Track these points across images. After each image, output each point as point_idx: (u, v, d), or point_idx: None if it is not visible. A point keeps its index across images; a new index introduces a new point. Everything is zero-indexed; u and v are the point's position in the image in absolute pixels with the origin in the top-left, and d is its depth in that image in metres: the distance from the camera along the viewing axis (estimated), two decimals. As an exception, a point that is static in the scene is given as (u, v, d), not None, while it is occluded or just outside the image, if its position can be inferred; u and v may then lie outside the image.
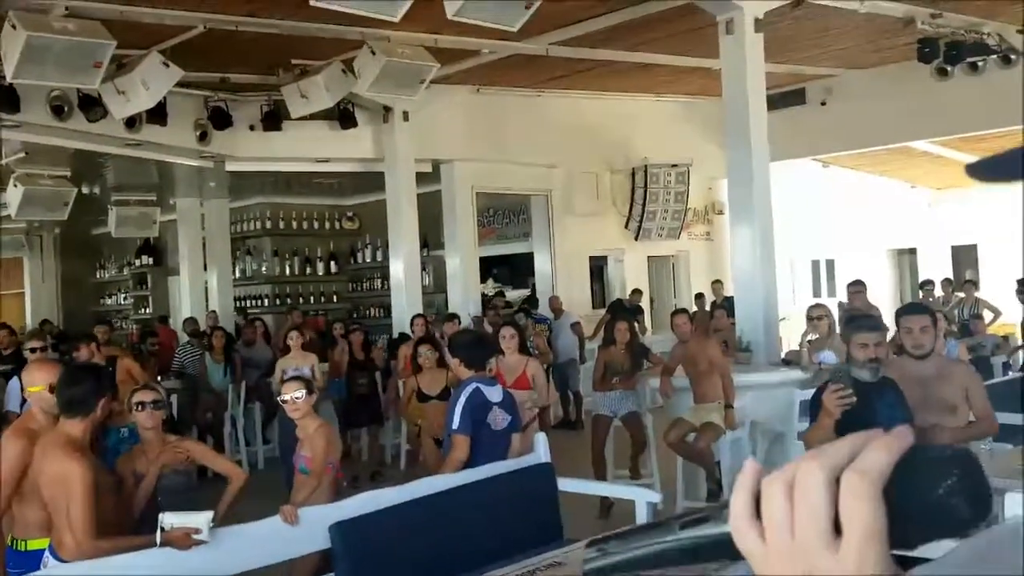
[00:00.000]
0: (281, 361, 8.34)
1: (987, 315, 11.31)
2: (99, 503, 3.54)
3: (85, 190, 11.87)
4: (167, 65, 8.02)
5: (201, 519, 3.59)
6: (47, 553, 3.59)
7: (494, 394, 4.74)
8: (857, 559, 0.53)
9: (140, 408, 4.16)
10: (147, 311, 16.86)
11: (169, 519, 3.56)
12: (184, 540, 3.53)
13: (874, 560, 0.53)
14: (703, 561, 0.60)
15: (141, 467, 4.11)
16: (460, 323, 9.74)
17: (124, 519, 3.85)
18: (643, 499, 4.57)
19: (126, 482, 4.02)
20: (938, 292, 12.44)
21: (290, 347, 8.36)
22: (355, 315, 14.61)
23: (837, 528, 0.54)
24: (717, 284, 13.00)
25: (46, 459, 3.58)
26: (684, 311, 7.42)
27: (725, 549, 0.58)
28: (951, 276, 14.36)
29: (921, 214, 17.49)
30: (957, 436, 4.24)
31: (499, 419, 4.69)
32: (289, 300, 14.10)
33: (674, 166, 13.74)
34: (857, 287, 8.82)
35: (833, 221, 17.28)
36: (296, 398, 4.64)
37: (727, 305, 10.30)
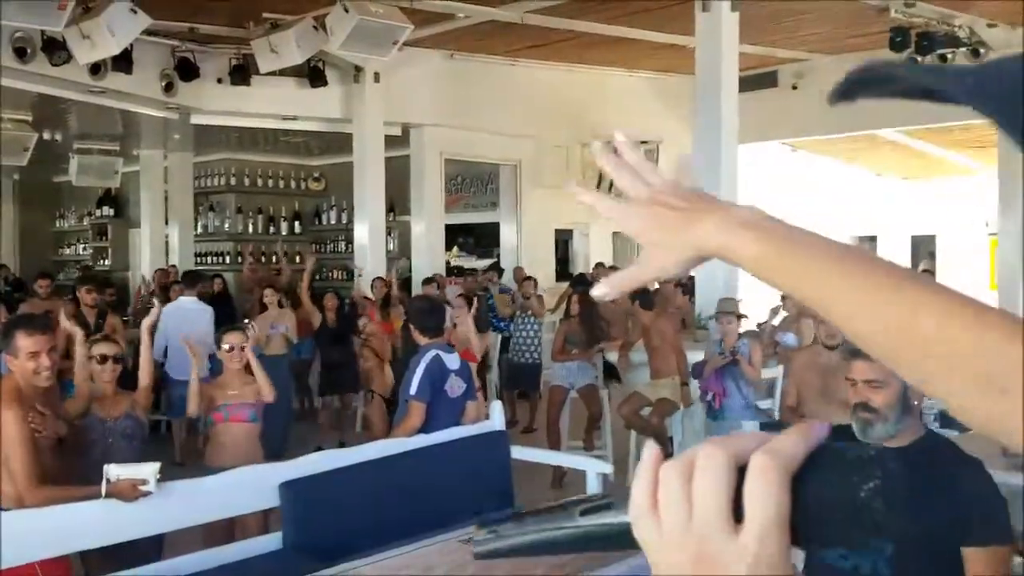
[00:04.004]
0: (260, 318, 8.21)
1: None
2: (44, 453, 3.50)
3: (46, 136, 11.63)
4: (135, 12, 7.85)
5: (148, 470, 3.57)
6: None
7: (452, 361, 4.75)
8: (758, 543, 0.50)
9: (101, 360, 4.14)
10: (106, 262, 16.60)
11: (115, 471, 3.53)
12: (130, 491, 3.51)
13: (776, 547, 0.50)
14: (600, 550, 0.58)
15: (96, 412, 4.08)
16: (439, 287, 9.77)
17: (69, 469, 3.81)
18: (595, 470, 4.62)
19: (73, 424, 3.97)
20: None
21: (267, 305, 8.32)
22: (318, 276, 14.50)
23: (737, 518, 0.51)
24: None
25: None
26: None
27: (624, 539, 0.56)
28: (909, 264, 14.55)
29: (884, 203, 17.70)
30: None
31: (455, 387, 4.70)
32: (251, 258, 13.90)
33: (643, 143, 13.73)
34: None
35: (798, 205, 17.43)
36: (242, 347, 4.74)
37: (688, 284, 10.37)
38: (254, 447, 4.61)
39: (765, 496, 0.50)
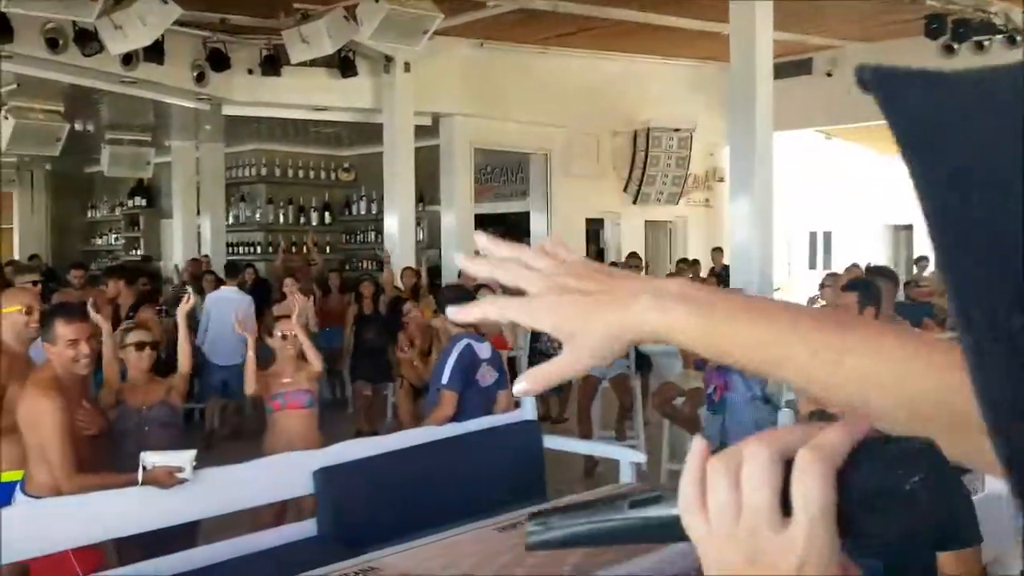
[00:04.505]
0: (278, 306, 8.27)
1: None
2: (80, 441, 3.51)
3: (78, 126, 11.70)
4: (166, 2, 7.87)
5: (184, 458, 3.57)
6: (17, 489, 3.57)
7: (484, 351, 4.72)
8: (807, 539, 0.50)
9: (138, 348, 4.16)
10: (138, 252, 16.75)
11: (151, 458, 3.53)
12: (166, 478, 3.51)
13: (824, 541, 0.51)
14: (649, 541, 0.59)
15: (129, 401, 4.09)
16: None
17: (104, 457, 3.82)
18: (627, 459, 4.57)
19: (107, 416, 3.98)
20: (931, 268, 12.43)
21: (287, 294, 8.33)
22: (347, 267, 14.54)
23: (785, 511, 0.52)
24: (717, 252, 12.91)
25: (23, 397, 3.55)
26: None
27: (673, 531, 0.57)
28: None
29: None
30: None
31: (487, 376, 4.67)
32: (281, 247, 13.96)
33: (676, 130, 13.63)
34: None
35: (832, 194, 17.23)
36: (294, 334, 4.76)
37: (723, 274, 10.28)
38: (312, 433, 4.64)
39: (812, 490, 0.51)
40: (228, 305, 8.46)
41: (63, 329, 3.55)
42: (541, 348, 9.22)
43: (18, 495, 3.56)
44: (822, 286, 7.49)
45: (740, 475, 0.53)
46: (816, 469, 0.51)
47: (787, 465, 0.52)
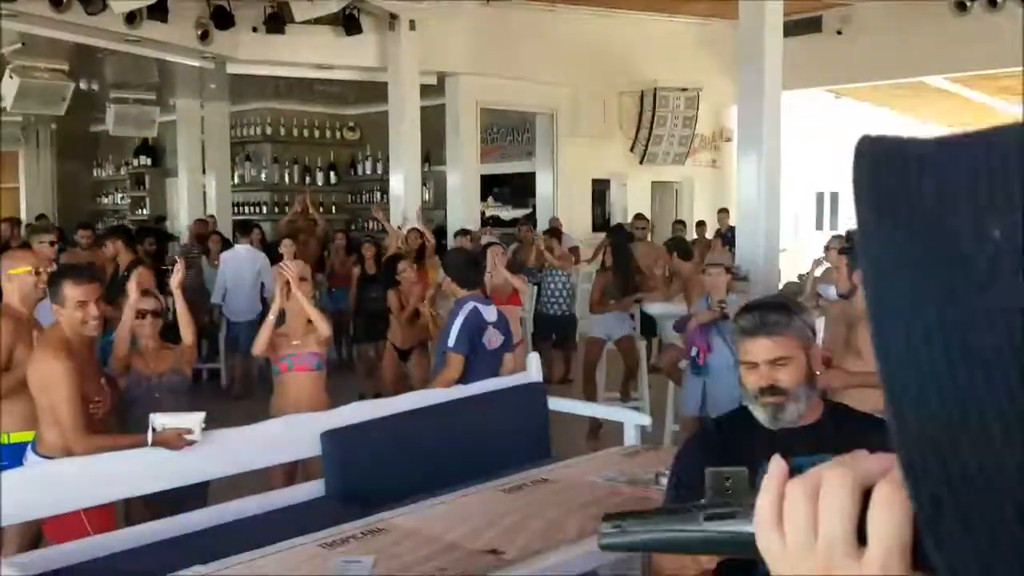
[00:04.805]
0: (276, 270, 8.26)
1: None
2: (89, 403, 3.54)
3: (83, 85, 11.64)
4: (169, -41, 7.80)
5: (193, 420, 3.61)
6: (28, 449, 3.61)
7: (490, 314, 4.74)
8: (881, 568, 0.51)
9: (141, 316, 4.18)
10: (144, 212, 16.75)
11: (160, 420, 3.57)
12: (176, 441, 3.55)
13: (897, 572, 0.51)
14: (722, 554, 0.62)
15: (139, 368, 4.13)
16: (471, 238, 9.72)
17: (114, 421, 3.86)
18: (632, 421, 4.60)
19: (118, 383, 4.03)
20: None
21: (282, 255, 8.31)
22: (353, 227, 14.53)
23: (861, 540, 0.52)
24: (723, 213, 12.87)
25: (33, 359, 3.58)
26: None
27: (746, 548, 0.58)
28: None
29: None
30: (846, 380, 4.19)
31: (493, 339, 4.70)
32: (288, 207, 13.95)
33: (684, 90, 13.51)
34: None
35: (841, 153, 17.10)
36: None
37: (729, 235, 10.26)
38: (319, 395, 4.61)
39: (888, 524, 0.51)
40: (243, 263, 8.75)
41: (72, 291, 3.57)
42: (543, 309, 9.21)
43: (30, 455, 3.61)
44: (826, 248, 7.47)
45: (819, 499, 0.53)
46: (894, 503, 0.51)
47: (867, 493, 0.52)
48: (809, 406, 2.21)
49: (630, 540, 0.64)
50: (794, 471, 0.57)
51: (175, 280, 4.47)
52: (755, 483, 0.58)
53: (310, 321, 4.72)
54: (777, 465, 0.57)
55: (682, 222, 12.99)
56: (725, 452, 2.03)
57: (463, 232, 9.90)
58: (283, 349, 4.64)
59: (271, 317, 4.62)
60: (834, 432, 2.15)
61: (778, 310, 2.23)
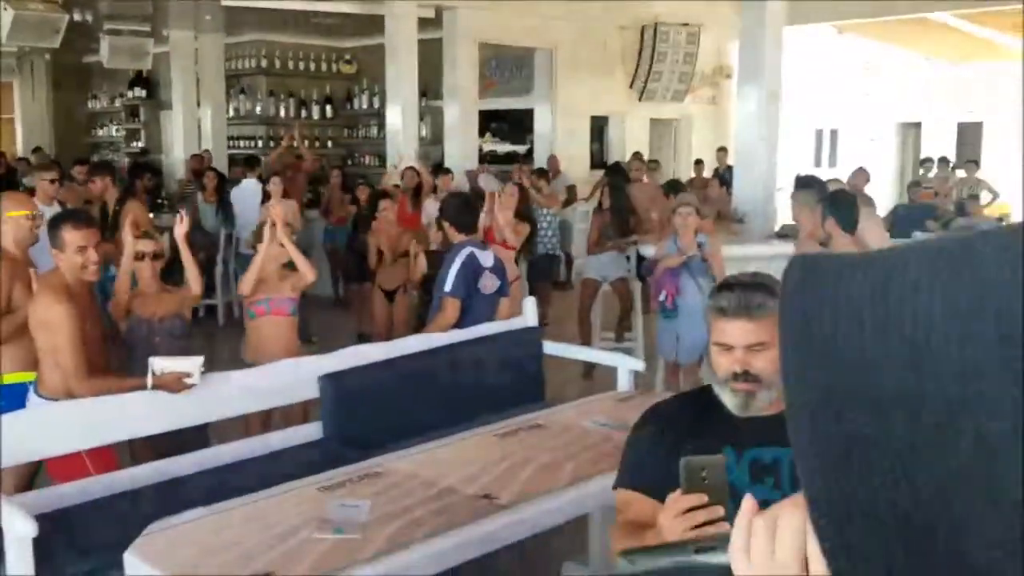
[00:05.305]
0: (263, 207, 8.21)
1: (984, 196, 11.27)
2: (89, 345, 3.58)
3: (77, 17, 11.46)
4: None
5: (192, 363, 3.65)
6: (30, 391, 3.67)
7: (486, 258, 4.76)
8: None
9: (140, 258, 4.20)
10: (139, 144, 16.64)
11: (160, 363, 3.61)
12: (175, 384, 3.60)
13: None
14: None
15: (140, 311, 4.16)
16: (453, 178, 9.63)
17: (112, 360, 3.91)
18: (626, 367, 4.65)
19: (119, 324, 4.06)
20: (936, 170, 12.36)
21: (270, 193, 8.27)
22: (349, 162, 14.45)
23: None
24: (721, 152, 12.80)
25: (34, 302, 3.61)
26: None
27: (727, 571, 0.70)
28: (954, 153, 14.23)
29: (932, 87, 17.14)
30: None
31: (489, 283, 4.73)
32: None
33: (685, 25, 13.33)
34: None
35: (842, 90, 16.94)
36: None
37: (726, 175, 10.22)
38: (293, 341, 4.67)
39: (790, 547, 0.62)
40: (250, 197, 8.89)
41: (71, 236, 3.59)
42: (540, 249, 9.14)
43: (32, 397, 3.66)
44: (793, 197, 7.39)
45: (776, 532, 0.64)
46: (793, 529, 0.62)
47: None
48: (777, 395, 2.03)
49: (641, 569, 0.81)
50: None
51: (179, 231, 4.43)
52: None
53: (285, 265, 4.70)
54: (748, 503, 0.68)
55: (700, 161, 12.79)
56: (680, 436, 2.02)
57: (444, 171, 9.73)
58: (259, 292, 4.60)
59: (258, 258, 4.60)
60: None
61: (761, 290, 2.05)
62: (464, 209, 4.89)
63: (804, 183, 5.30)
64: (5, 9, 9.93)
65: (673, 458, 1.87)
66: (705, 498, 1.69)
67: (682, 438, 2.01)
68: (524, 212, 7.16)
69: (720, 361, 2.06)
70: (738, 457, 2.00)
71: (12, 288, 3.94)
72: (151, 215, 8.74)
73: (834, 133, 18.23)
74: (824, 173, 12.38)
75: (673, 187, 7.40)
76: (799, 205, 5.21)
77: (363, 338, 7.76)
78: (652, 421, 2.18)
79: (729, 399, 2.05)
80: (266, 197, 8.43)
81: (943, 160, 12.87)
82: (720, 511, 1.68)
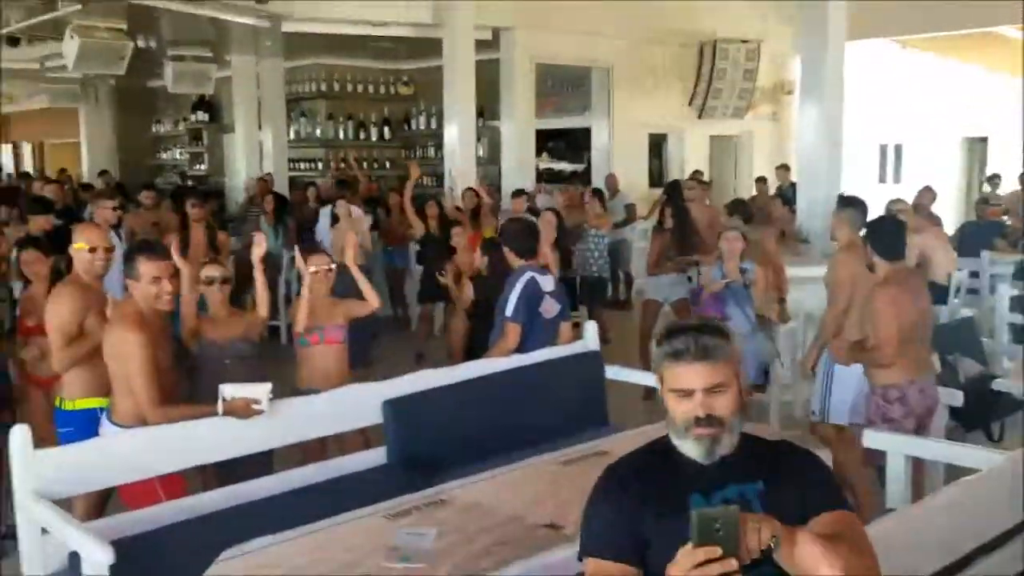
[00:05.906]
0: (333, 230, 8.30)
1: (1056, 213, 10.93)
2: (161, 373, 3.64)
3: (141, 44, 11.76)
4: (225, -82, 7.79)
5: (261, 390, 3.69)
6: (103, 417, 3.73)
7: (547, 283, 4.75)
8: None
9: (209, 283, 4.27)
10: (202, 167, 16.99)
11: (229, 390, 3.65)
12: (245, 410, 3.64)
13: None
14: None
15: (210, 335, 4.23)
16: (529, 198, 9.60)
17: (185, 388, 3.97)
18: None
19: (191, 352, 4.13)
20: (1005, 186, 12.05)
21: (338, 217, 8.36)
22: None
23: None
24: (782, 169, 12.59)
25: (109, 331, 3.68)
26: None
27: None
28: (1022, 168, 13.83)
29: (996, 103, 16.74)
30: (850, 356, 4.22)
31: (550, 308, 4.71)
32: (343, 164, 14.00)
33: (744, 42, 13.22)
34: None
35: (905, 105, 16.63)
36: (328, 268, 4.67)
37: (788, 193, 10.07)
38: (344, 368, 4.64)
39: None
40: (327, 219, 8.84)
41: (146, 267, 3.66)
42: (577, 274, 8.94)
43: (105, 424, 3.73)
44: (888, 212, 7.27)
45: None
46: None
47: None
48: (737, 438, 2.02)
49: None
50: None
51: (256, 255, 4.44)
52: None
53: (333, 292, 4.66)
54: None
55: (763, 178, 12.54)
56: (644, 496, 1.99)
57: (519, 193, 9.79)
58: (311, 321, 4.53)
59: (305, 292, 4.52)
60: (755, 463, 2.02)
61: (713, 333, 2.01)
62: (524, 234, 4.88)
63: (847, 202, 5.25)
64: (72, 37, 10.21)
65: (638, 520, 1.94)
66: (719, 551, 1.66)
67: (647, 497, 1.99)
68: (557, 240, 7.04)
69: (678, 409, 1.99)
70: (707, 501, 1.95)
71: (85, 314, 4.02)
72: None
73: (898, 148, 17.90)
74: (889, 189, 12.18)
75: (737, 207, 7.30)
76: (839, 221, 5.17)
77: (421, 358, 7.81)
78: (611, 486, 2.08)
79: (692, 448, 1.99)
80: (335, 220, 8.52)
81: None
82: (734, 564, 1.66)
